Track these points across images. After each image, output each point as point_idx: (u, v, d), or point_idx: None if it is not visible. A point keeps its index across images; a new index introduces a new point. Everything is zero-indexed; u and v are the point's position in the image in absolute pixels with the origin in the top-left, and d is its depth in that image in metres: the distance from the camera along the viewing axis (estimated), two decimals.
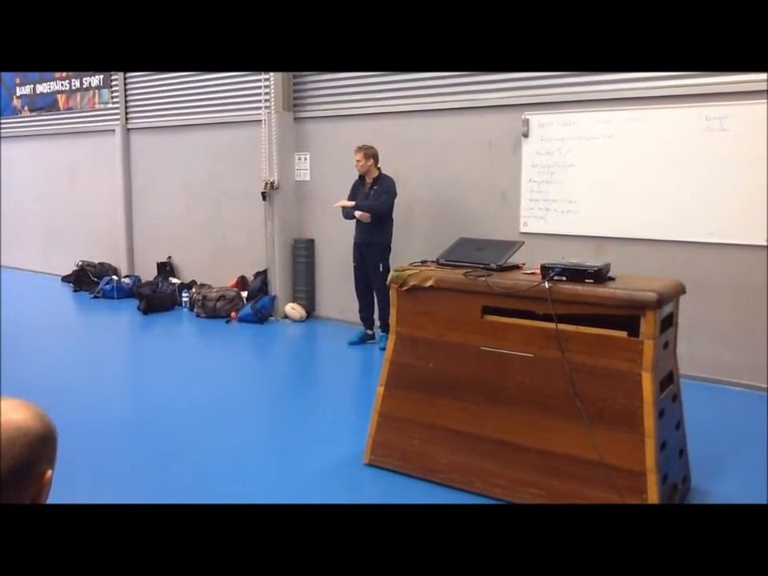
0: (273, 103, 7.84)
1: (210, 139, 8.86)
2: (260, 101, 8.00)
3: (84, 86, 10.53)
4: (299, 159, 8.03)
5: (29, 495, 1.14)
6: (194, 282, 9.03)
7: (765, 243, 5.24)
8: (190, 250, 9.33)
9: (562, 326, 3.37)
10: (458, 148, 6.79)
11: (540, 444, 3.48)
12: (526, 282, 3.49)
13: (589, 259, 3.70)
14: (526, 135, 6.32)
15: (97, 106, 10.40)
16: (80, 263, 10.18)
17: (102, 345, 7.18)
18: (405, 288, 3.87)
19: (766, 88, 5.12)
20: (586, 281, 3.38)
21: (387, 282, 4.03)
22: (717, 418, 4.86)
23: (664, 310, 3.31)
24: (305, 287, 8.05)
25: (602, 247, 5.93)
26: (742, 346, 5.46)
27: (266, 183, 7.93)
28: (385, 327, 6.42)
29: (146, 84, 9.66)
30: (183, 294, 8.66)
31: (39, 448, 1.16)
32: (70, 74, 10.65)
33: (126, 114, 9.95)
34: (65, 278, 10.44)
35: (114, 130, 9.97)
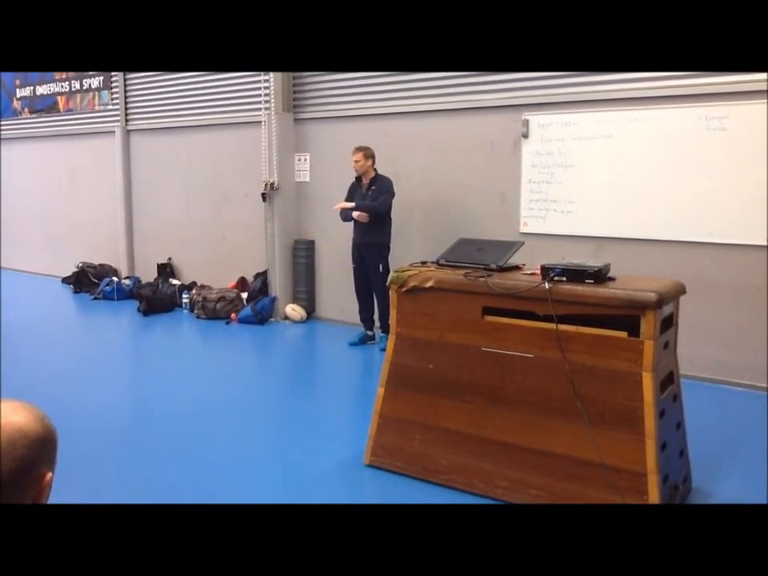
0: (273, 104, 7.84)
1: (210, 140, 8.86)
2: (260, 102, 8.00)
3: (84, 88, 10.54)
4: (299, 160, 8.04)
5: (29, 497, 1.14)
6: (194, 284, 9.02)
7: (765, 243, 5.24)
8: (190, 251, 9.33)
9: (563, 327, 3.37)
10: (457, 149, 6.79)
11: (541, 445, 3.47)
12: (527, 283, 3.49)
13: (589, 260, 3.70)
14: (525, 136, 6.32)
15: (97, 108, 10.40)
16: (80, 265, 10.18)
17: (103, 346, 7.18)
18: (405, 289, 3.87)
19: (765, 88, 5.12)
20: (586, 281, 3.38)
21: (387, 283, 4.03)
22: (717, 418, 4.86)
23: (664, 310, 3.31)
24: (305, 288, 8.05)
25: (602, 247, 5.93)
26: (742, 346, 5.46)
27: (266, 184, 7.94)
28: (385, 328, 6.43)
29: (146, 85, 9.66)
30: (183, 296, 8.66)
31: (39, 450, 1.16)
32: (70, 75, 10.66)
33: (126, 115, 9.95)
34: (65, 280, 10.44)
35: (114, 132, 9.97)
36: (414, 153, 7.07)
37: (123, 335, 7.91)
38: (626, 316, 3.24)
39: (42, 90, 11.20)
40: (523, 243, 4.04)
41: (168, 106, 9.37)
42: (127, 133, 9.96)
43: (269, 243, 8.07)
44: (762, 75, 5.08)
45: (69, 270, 10.36)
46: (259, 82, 7.99)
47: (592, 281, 3.37)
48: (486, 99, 6.55)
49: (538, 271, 3.56)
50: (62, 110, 10.95)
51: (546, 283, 3.40)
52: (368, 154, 6.54)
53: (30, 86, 11.38)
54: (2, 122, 11.90)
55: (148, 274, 9.66)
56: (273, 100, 7.83)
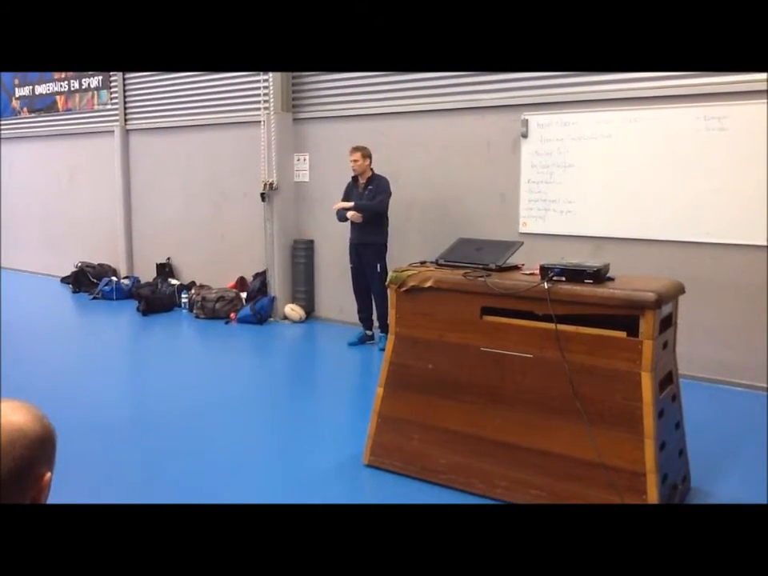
0: (272, 104, 7.84)
1: (209, 140, 8.86)
2: (259, 102, 8.00)
3: (83, 87, 10.53)
4: (298, 160, 8.04)
5: (28, 497, 1.14)
6: (193, 283, 9.02)
7: (764, 243, 5.24)
8: (189, 251, 9.33)
9: (562, 327, 3.37)
10: (457, 148, 6.79)
11: (540, 445, 3.48)
12: (526, 283, 3.49)
13: (588, 259, 3.70)
14: (525, 135, 6.32)
15: (96, 107, 10.39)
16: (79, 264, 10.18)
17: (101, 346, 7.17)
18: (404, 289, 3.87)
19: (765, 88, 5.13)
20: (586, 281, 3.38)
21: (386, 283, 4.03)
22: (716, 417, 4.86)
23: (663, 310, 3.31)
24: (304, 288, 8.05)
25: (601, 247, 5.93)
26: (741, 346, 5.46)
27: (265, 184, 7.93)
28: (384, 328, 6.43)
29: (145, 85, 9.66)
30: (182, 295, 8.66)
31: (39, 450, 1.16)
32: (69, 75, 10.65)
33: (125, 115, 9.95)
34: (64, 279, 10.44)
35: (113, 131, 9.97)
36: (414, 152, 7.07)
37: (122, 335, 7.91)
38: (625, 316, 3.24)
39: (40, 89, 11.19)
40: (522, 243, 4.04)
41: (167, 106, 9.37)
42: (126, 132, 9.96)
43: (268, 243, 8.07)
44: (762, 75, 5.08)
45: (68, 269, 10.36)
46: (258, 81, 7.99)
47: (591, 281, 3.37)
48: (485, 99, 6.55)
49: (537, 271, 3.56)
50: (60, 110, 10.94)
51: (545, 283, 3.40)
52: (366, 153, 6.55)
53: (28, 85, 11.38)
54: (1, 122, 11.90)
55: (147, 274, 9.66)
56: (272, 100, 7.83)
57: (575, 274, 3.41)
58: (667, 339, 3.49)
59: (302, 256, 8.01)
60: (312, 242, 8.03)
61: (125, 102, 9.93)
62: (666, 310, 3.40)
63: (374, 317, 6.83)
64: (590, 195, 6.03)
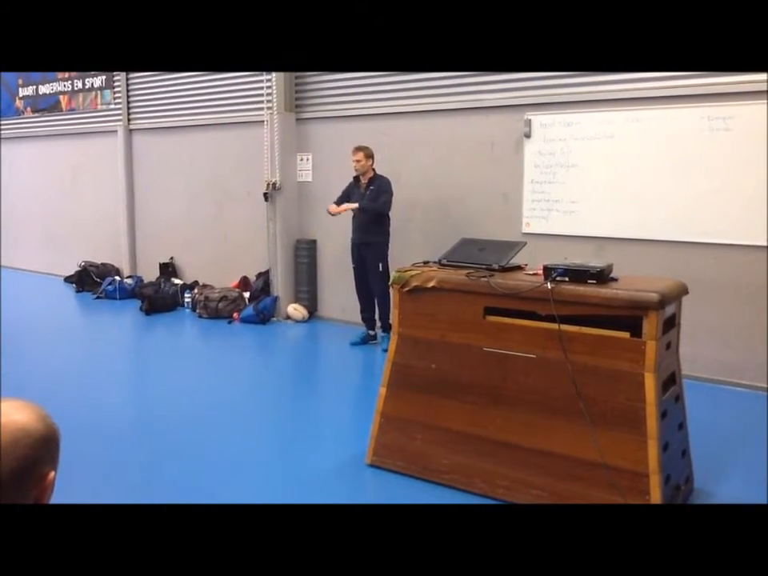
0: (275, 104, 7.84)
1: (213, 140, 8.87)
2: (262, 102, 8.00)
3: (86, 87, 10.54)
4: (301, 160, 8.04)
5: (31, 496, 1.14)
6: (196, 283, 9.03)
7: (765, 243, 5.23)
8: (193, 250, 9.34)
9: (565, 327, 3.37)
10: (459, 148, 6.78)
11: (542, 445, 3.47)
12: (529, 283, 3.49)
13: (591, 260, 3.70)
14: (528, 136, 6.32)
15: (99, 107, 10.41)
16: (82, 264, 10.20)
17: (105, 345, 7.18)
18: (407, 289, 3.87)
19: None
20: (589, 281, 3.38)
21: (389, 283, 4.03)
22: (719, 418, 4.86)
23: (666, 310, 3.30)
24: (307, 288, 8.05)
25: (604, 248, 5.92)
26: (742, 346, 5.45)
27: (268, 184, 7.94)
28: (386, 328, 6.42)
29: (148, 85, 9.67)
30: (185, 295, 8.67)
31: (42, 449, 1.16)
32: (73, 74, 10.66)
33: (129, 114, 9.96)
34: (67, 279, 10.46)
35: (117, 131, 9.98)
36: (416, 152, 7.07)
37: (125, 334, 7.92)
38: (628, 316, 3.24)
39: (44, 89, 11.21)
40: (525, 243, 4.04)
41: (170, 106, 9.38)
42: (129, 132, 9.97)
43: (271, 243, 8.07)
44: (766, 75, 5.07)
45: (71, 269, 10.38)
46: (261, 81, 7.99)
47: (594, 281, 3.37)
48: (489, 99, 6.54)
49: (541, 271, 3.55)
50: (64, 110, 10.96)
51: (549, 283, 3.40)
52: (368, 153, 6.54)
53: (32, 85, 11.39)
54: (5, 122, 11.92)
55: (150, 274, 9.67)
56: (275, 100, 7.84)
57: (578, 275, 3.41)
58: (670, 340, 3.48)
59: (305, 256, 8.01)
60: (315, 241, 8.03)
61: (128, 102, 9.94)
62: (670, 310, 3.40)
63: (377, 317, 6.83)
64: (593, 195, 6.03)
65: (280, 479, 3.95)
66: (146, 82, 9.68)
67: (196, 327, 7.97)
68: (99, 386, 5.67)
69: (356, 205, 6.51)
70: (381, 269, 6.48)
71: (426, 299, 3.82)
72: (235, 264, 8.72)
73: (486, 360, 3.63)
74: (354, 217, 6.64)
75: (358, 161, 6.53)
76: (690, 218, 5.57)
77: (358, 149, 6.54)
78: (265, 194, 7.96)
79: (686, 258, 5.57)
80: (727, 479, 3.90)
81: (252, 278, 8.53)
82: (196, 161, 9.10)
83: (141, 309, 8.51)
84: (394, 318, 3.99)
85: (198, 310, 8.31)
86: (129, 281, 9.65)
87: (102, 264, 10.23)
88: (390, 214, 6.61)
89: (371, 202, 6.48)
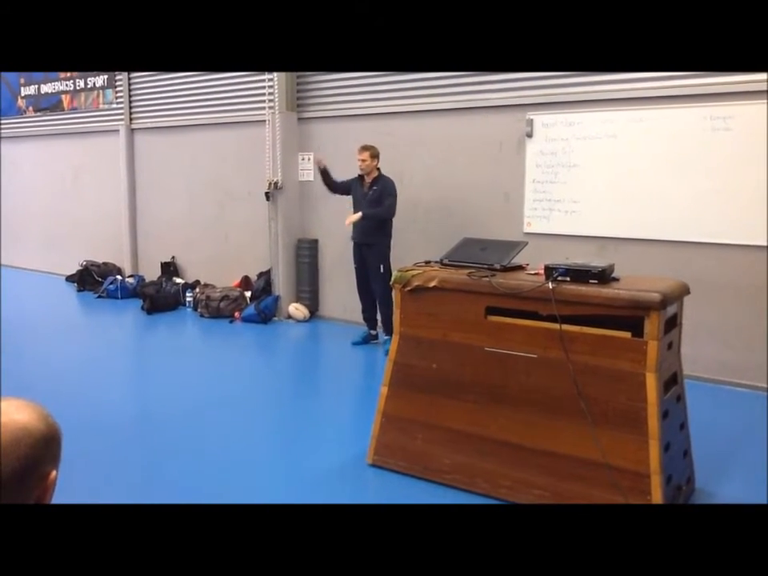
0: (276, 103, 7.84)
1: (214, 139, 8.87)
2: (264, 101, 8.00)
3: (88, 87, 10.55)
4: (303, 159, 8.04)
5: (33, 496, 1.14)
6: (197, 282, 9.03)
7: (765, 243, 5.22)
8: (194, 250, 9.34)
9: (566, 327, 3.37)
10: (461, 148, 6.78)
11: (544, 445, 3.47)
12: (530, 283, 3.48)
13: (593, 260, 3.70)
14: (529, 135, 6.32)
15: (101, 107, 10.41)
16: (84, 263, 10.20)
17: (106, 344, 7.18)
18: (408, 288, 3.86)
19: None
20: (590, 281, 3.37)
21: (391, 283, 4.03)
22: (720, 418, 4.85)
23: (668, 310, 3.30)
24: (308, 287, 8.05)
25: (605, 247, 5.92)
26: (742, 346, 5.45)
27: (270, 183, 7.94)
28: (387, 331, 6.40)
29: (150, 84, 9.67)
30: (187, 294, 8.67)
31: (44, 449, 1.16)
32: (75, 74, 10.67)
33: (130, 114, 9.96)
34: (69, 278, 10.46)
35: (118, 131, 9.98)
36: (418, 152, 7.06)
37: (127, 333, 7.92)
38: (629, 316, 3.23)
39: (46, 88, 11.22)
40: (527, 243, 4.04)
41: (172, 105, 9.38)
42: (131, 131, 9.97)
43: (272, 242, 8.08)
44: (766, 75, 5.06)
45: (73, 268, 10.39)
46: (263, 81, 7.99)
47: (596, 281, 3.37)
48: (490, 99, 6.54)
49: (542, 271, 3.55)
50: (66, 109, 10.97)
51: (550, 283, 3.40)
52: (374, 153, 6.51)
53: (34, 84, 11.40)
54: (7, 121, 11.93)
55: (152, 273, 9.67)
56: (276, 99, 7.84)
57: (580, 274, 3.40)
58: (672, 340, 3.48)
59: (307, 255, 8.01)
60: (316, 241, 8.03)
61: (130, 102, 9.95)
62: (671, 310, 3.39)
63: (378, 317, 6.82)
64: (594, 195, 6.02)
65: (281, 479, 3.95)
66: (147, 81, 9.68)
67: (197, 326, 7.97)
68: (100, 385, 5.67)
69: (359, 215, 6.44)
70: (382, 270, 6.46)
71: (428, 299, 3.82)
72: (237, 263, 8.73)
73: (488, 360, 3.63)
74: None
75: (363, 160, 6.49)
76: (692, 217, 5.57)
77: (364, 148, 6.51)
78: (266, 194, 7.96)
79: (687, 258, 5.56)
80: (728, 479, 3.89)
81: (253, 277, 8.53)
82: (198, 160, 9.11)
83: (142, 308, 8.52)
84: (395, 317, 3.99)
85: (199, 310, 8.31)
86: (130, 280, 9.65)
87: (103, 263, 10.24)
88: None
89: (373, 203, 6.45)
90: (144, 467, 4.11)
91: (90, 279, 9.96)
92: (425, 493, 3.69)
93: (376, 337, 6.91)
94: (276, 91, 7.83)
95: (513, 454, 3.56)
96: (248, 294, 8.36)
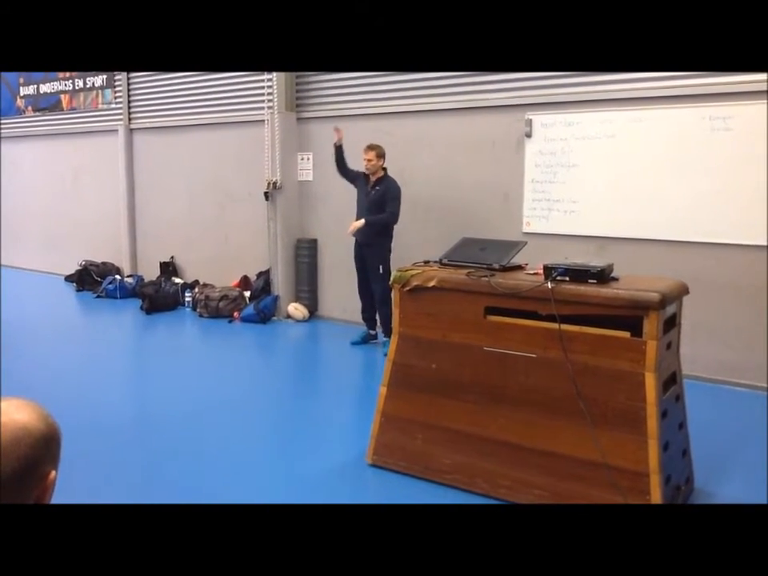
0: (276, 103, 7.84)
1: (213, 139, 8.87)
2: (263, 101, 8.00)
3: (87, 86, 10.54)
4: (302, 159, 8.04)
5: (33, 496, 1.14)
6: (196, 282, 9.03)
7: (765, 243, 5.23)
8: (193, 249, 9.34)
9: (565, 327, 3.37)
10: (460, 148, 6.78)
11: (543, 445, 3.47)
12: (529, 283, 3.49)
13: (592, 259, 3.70)
14: (528, 135, 6.32)
15: (100, 106, 10.41)
16: (83, 263, 10.20)
17: (105, 345, 7.18)
18: (408, 288, 3.86)
19: None
20: (589, 281, 3.38)
21: (390, 282, 4.03)
22: (720, 418, 4.86)
23: (667, 310, 3.30)
24: (307, 287, 8.05)
25: (604, 247, 5.92)
26: (742, 346, 5.45)
27: (269, 183, 7.94)
28: (386, 332, 6.37)
29: (149, 84, 9.66)
30: (186, 294, 8.67)
31: (43, 449, 1.16)
32: (74, 74, 10.66)
33: (129, 114, 9.96)
34: (68, 278, 10.46)
35: (117, 130, 9.98)
36: (417, 152, 7.06)
37: (126, 333, 7.92)
38: (628, 316, 3.23)
39: (45, 88, 11.21)
40: (526, 243, 4.04)
41: (171, 105, 9.38)
42: (130, 131, 9.97)
43: (271, 242, 8.07)
44: (766, 75, 5.06)
45: (72, 268, 10.38)
46: (262, 81, 7.99)
47: (595, 281, 3.37)
48: (489, 99, 6.54)
49: (541, 271, 3.55)
50: (65, 109, 10.96)
51: (549, 283, 3.40)
52: (380, 153, 6.48)
53: (33, 84, 11.39)
54: (6, 121, 11.92)
55: (151, 273, 9.67)
56: (276, 99, 7.83)
57: (579, 274, 3.41)
58: (671, 340, 3.48)
59: (306, 255, 8.01)
60: (315, 241, 8.03)
61: (129, 102, 9.94)
62: (670, 310, 3.40)
63: (377, 317, 6.82)
64: (593, 195, 6.03)
65: (280, 479, 3.95)
66: (146, 81, 9.68)
67: (196, 326, 7.97)
68: (100, 385, 5.67)
69: (362, 222, 6.43)
70: (381, 270, 6.44)
71: (427, 299, 3.82)
72: (236, 263, 8.72)
73: (487, 360, 3.63)
74: (357, 216, 6.61)
75: (369, 160, 6.47)
76: (691, 217, 5.57)
77: (370, 148, 6.48)
78: (265, 194, 7.96)
79: (686, 258, 5.56)
80: (727, 479, 3.90)
81: (252, 277, 8.53)
82: (197, 160, 9.10)
83: (141, 308, 8.51)
84: (394, 317, 3.99)
85: (198, 309, 8.31)
86: (129, 280, 9.65)
87: (102, 263, 10.24)
88: None
89: (375, 203, 6.43)
90: (143, 467, 4.11)
91: (89, 279, 9.96)
92: (424, 493, 3.69)
93: (375, 337, 6.91)
94: (275, 91, 7.83)
95: (512, 454, 3.56)
96: (247, 293, 8.36)
